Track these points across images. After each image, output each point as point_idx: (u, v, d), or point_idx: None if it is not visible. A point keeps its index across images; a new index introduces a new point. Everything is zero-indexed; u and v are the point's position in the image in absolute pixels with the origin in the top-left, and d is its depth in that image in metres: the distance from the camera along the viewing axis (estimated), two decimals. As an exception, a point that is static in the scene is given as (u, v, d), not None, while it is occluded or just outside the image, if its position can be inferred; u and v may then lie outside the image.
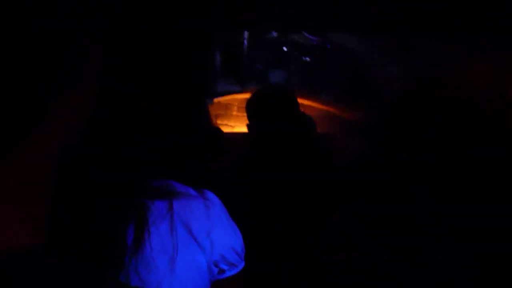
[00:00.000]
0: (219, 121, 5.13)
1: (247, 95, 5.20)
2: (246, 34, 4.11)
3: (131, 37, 0.62)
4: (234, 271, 0.80)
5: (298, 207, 1.53)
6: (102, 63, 0.50)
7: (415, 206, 1.09)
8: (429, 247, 1.05)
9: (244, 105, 5.56)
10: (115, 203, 0.61)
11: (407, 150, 1.10)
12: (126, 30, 0.60)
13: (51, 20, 0.42)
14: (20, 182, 0.46)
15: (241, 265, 0.82)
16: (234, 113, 5.24)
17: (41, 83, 0.43)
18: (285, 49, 4.32)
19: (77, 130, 0.51)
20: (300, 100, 5.24)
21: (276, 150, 1.73)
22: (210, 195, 0.80)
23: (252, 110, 1.81)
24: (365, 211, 1.16)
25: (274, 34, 4.31)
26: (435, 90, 0.94)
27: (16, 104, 0.41)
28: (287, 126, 1.70)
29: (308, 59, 4.34)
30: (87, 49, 0.46)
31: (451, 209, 1.05)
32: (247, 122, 1.88)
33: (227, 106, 5.21)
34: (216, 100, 4.91)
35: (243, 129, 5.49)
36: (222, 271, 0.78)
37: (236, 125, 5.21)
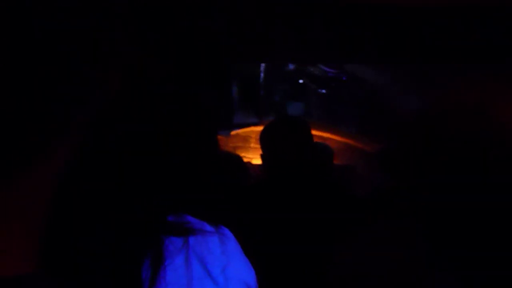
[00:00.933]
0: (237, 153, 5.15)
1: (265, 127, 5.17)
2: (263, 66, 4.16)
3: (145, 66, 0.63)
4: None
5: (308, 240, 1.50)
6: (108, 89, 0.50)
7: (420, 238, 1.07)
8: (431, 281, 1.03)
9: (262, 136, 5.53)
10: (130, 239, 0.60)
11: (417, 180, 1.08)
12: (136, 58, 0.60)
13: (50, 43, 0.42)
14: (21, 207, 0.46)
15: None
16: (252, 145, 5.26)
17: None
18: (301, 81, 4.35)
19: (79, 162, 0.51)
20: (319, 133, 5.27)
21: (288, 180, 1.72)
22: (225, 230, 0.79)
23: (265, 140, 1.81)
24: (372, 241, 1.14)
25: (291, 66, 4.35)
26: (447, 121, 0.93)
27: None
28: (300, 156, 1.69)
29: (324, 91, 4.36)
30: (92, 75, 0.46)
31: (456, 244, 1.03)
32: (261, 152, 1.88)
33: (245, 139, 5.24)
34: (234, 132, 4.94)
35: (260, 161, 5.46)
36: None
37: (254, 157, 5.22)
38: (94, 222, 0.56)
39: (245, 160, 4.83)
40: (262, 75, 4.20)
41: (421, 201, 1.07)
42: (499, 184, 0.94)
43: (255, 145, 5.18)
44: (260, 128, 5.68)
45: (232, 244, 0.76)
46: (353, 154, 5.35)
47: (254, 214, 1.60)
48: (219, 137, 4.22)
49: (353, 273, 1.13)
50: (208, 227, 0.74)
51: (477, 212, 0.97)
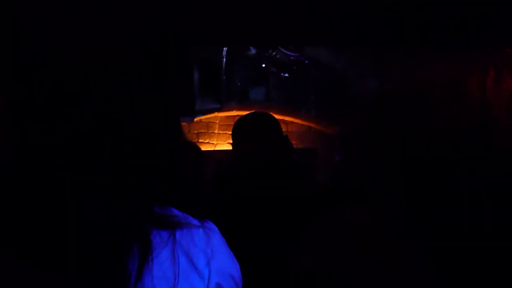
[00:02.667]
0: (201, 139, 5.12)
1: (227, 113, 5.25)
2: (224, 51, 4.13)
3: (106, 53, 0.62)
4: None
5: (279, 224, 1.52)
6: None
7: (387, 215, 1.09)
8: (398, 255, 1.06)
9: (225, 123, 5.60)
10: (117, 230, 0.60)
11: (380, 160, 1.10)
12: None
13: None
14: None
15: None
16: (216, 131, 5.24)
17: None
18: (263, 65, 4.34)
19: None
20: (281, 116, 5.36)
21: (258, 168, 1.76)
22: (210, 224, 0.81)
23: (238, 132, 1.87)
24: (338, 220, 1.16)
25: (253, 51, 4.34)
26: (403, 99, 0.95)
27: None
28: (270, 146, 1.76)
29: (286, 74, 4.38)
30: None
31: (423, 217, 1.06)
32: (231, 141, 1.93)
33: (208, 125, 5.21)
34: (197, 119, 4.91)
35: (225, 146, 5.53)
36: None
37: (218, 143, 5.21)
38: (80, 212, 0.57)
39: (210, 146, 4.81)
40: (223, 60, 4.16)
41: (383, 183, 1.10)
42: (464, 159, 0.97)
43: (219, 131, 5.17)
44: (223, 114, 5.67)
45: (217, 238, 0.78)
46: (314, 137, 5.43)
47: (224, 201, 1.64)
48: (182, 123, 4.18)
49: (319, 263, 1.14)
50: (194, 221, 0.75)
51: (443, 188, 1.00)
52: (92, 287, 0.54)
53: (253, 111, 2.12)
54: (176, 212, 0.73)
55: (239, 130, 1.88)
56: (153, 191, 0.70)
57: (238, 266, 0.82)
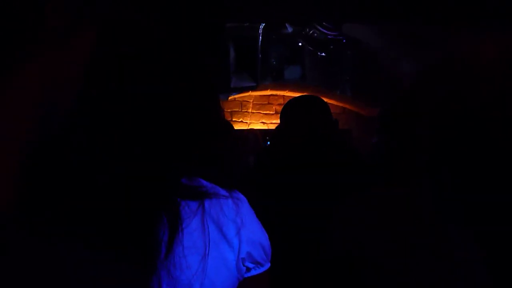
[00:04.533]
0: (234, 118, 5.13)
1: (262, 92, 5.23)
2: (260, 29, 4.08)
3: (135, 22, 0.61)
4: (259, 270, 0.79)
5: (319, 206, 1.53)
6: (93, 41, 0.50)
7: (424, 197, 1.06)
8: (437, 239, 1.02)
9: (259, 102, 5.57)
10: (146, 202, 0.61)
11: (418, 141, 1.08)
12: (127, 13, 0.59)
13: None
14: None
15: (267, 265, 0.82)
16: (250, 110, 5.23)
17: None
18: (300, 44, 4.27)
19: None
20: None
21: (305, 145, 1.80)
22: (239, 194, 0.81)
23: (289, 112, 1.91)
24: (372, 201, 1.14)
25: (289, 29, 4.27)
26: (445, 79, 0.91)
27: None
28: (318, 126, 1.79)
29: (323, 54, 4.29)
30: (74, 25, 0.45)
31: (461, 199, 1.03)
32: (279, 122, 1.98)
33: (242, 104, 5.20)
34: (231, 97, 4.91)
35: (258, 126, 5.51)
36: (248, 270, 0.78)
37: (251, 122, 5.21)
38: (111, 184, 0.57)
39: (243, 125, 4.81)
40: (260, 38, 4.12)
41: (426, 161, 1.07)
42: (499, 138, 0.94)
43: (253, 110, 5.16)
44: (257, 93, 5.65)
45: (246, 207, 0.78)
46: (349, 118, 5.35)
47: (266, 180, 1.68)
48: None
49: (346, 231, 1.12)
50: (222, 191, 0.75)
51: (483, 163, 0.98)
52: (124, 259, 0.55)
53: (299, 94, 2.13)
54: (204, 183, 0.73)
55: (290, 109, 1.93)
56: (184, 163, 0.70)
57: (267, 236, 0.83)
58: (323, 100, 1.96)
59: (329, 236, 1.27)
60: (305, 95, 1.97)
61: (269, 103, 5.25)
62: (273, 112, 5.17)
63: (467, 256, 0.98)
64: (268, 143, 4.13)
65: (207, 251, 0.68)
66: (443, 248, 0.99)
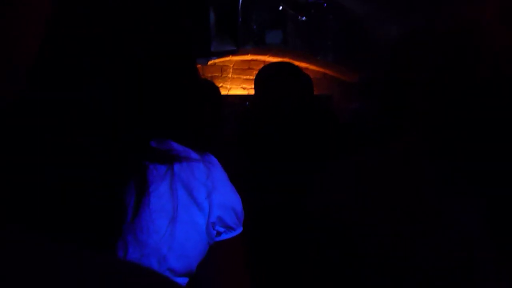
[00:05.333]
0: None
1: (242, 57, 5.16)
2: (241, -8, 3.99)
3: None
4: (231, 235, 0.79)
5: (298, 167, 1.55)
6: None
7: (416, 157, 1.06)
8: (433, 200, 1.01)
9: (239, 67, 5.50)
10: (113, 163, 0.59)
11: (408, 101, 1.07)
12: None
13: None
14: None
15: (239, 229, 0.81)
16: (230, 75, 5.18)
17: None
18: (280, 8, 4.20)
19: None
20: (296, 62, 5.22)
21: (280, 112, 1.80)
22: (211, 157, 0.79)
23: (262, 82, 1.91)
24: (361, 163, 1.12)
25: (270, -8, 4.18)
26: (432, 38, 0.90)
27: None
28: (299, 105, 1.79)
29: (304, 18, 4.24)
30: None
31: (457, 160, 1.03)
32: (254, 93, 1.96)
33: (222, 68, 5.15)
34: (211, 62, 4.84)
35: (239, 91, 5.47)
36: (219, 234, 0.77)
37: (231, 87, 5.17)
38: (74, 145, 0.55)
39: (223, 90, 4.77)
40: (240, 1, 4.03)
41: (401, 128, 1.07)
42: (487, 106, 0.95)
43: (233, 75, 5.12)
44: (238, 58, 5.57)
45: (218, 171, 0.77)
46: (329, 84, 5.35)
47: (246, 137, 1.70)
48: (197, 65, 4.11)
49: (331, 206, 1.11)
50: (194, 154, 0.74)
51: (466, 134, 0.98)
52: (89, 225, 0.54)
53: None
54: (175, 146, 0.72)
55: (261, 79, 1.93)
56: (153, 126, 0.68)
57: (240, 200, 0.82)
58: (295, 66, 1.96)
59: (315, 194, 1.25)
60: (275, 62, 1.96)
61: (249, 68, 5.20)
62: (254, 77, 5.13)
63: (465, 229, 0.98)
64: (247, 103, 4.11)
65: (175, 214, 0.67)
66: (436, 218, 0.99)
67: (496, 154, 0.96)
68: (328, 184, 1.11)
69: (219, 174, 0.78)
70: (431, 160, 1.00)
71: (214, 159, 0.78)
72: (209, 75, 5.08)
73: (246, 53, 4.94)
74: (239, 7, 4.08)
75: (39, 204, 0.50)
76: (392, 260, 0.95)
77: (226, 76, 5.15)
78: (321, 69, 5.34)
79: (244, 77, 5.18)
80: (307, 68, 5.14)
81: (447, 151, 0.98)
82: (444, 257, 0.92)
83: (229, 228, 0.78)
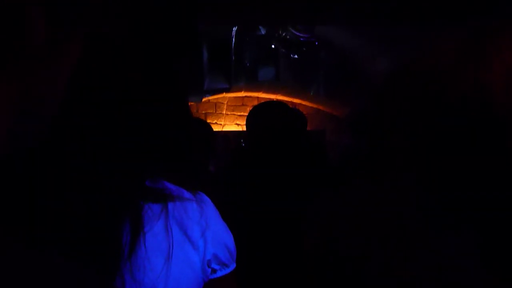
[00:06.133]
0: (208, 120, 5.12)
1: (236, 94, 5.23)
2: (233, 31, 4.08)
3: (112, 31, 0.61)
4: (225, 272, 0.80)
5: (290, 203, 1.55)
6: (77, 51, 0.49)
7: (402, 191, 1.07)
8: (424, 230, 1.02)
9: (233, 103, 5.57)
10: (109, 202, 0.59)
11: (392, 138, 1.09)
12: (105, 22, 0.58)
13: None
14: None
15: (233, 266, 0.82)
16: (224, 111, 5.23)
17: None
18: (273, 46, 4.30)
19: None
20: (290, 98, 5.31)
21: (272, 146, 1.83)
22: (203, 196, 0.81)
23: (253, 121, 1.95)
24: (347, 196, 1.12)
25: (263, 31, 4.28)
26: (414, 77, 0.92)
27: None
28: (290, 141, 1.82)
29: (296, 56, 4.33)
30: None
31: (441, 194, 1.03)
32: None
33: (216, 105, 5.20)
34: (205, 99, 4.89)
35: (232, 127, 5.50)
36: (214, 271, 0.78)
37: (225, 123, 5.20)
38: (72, 185, 0.56)
39: (217, 126, 4.81)
40: (233, 40, 4.12)
41: (398, 161, 1.08)
42: (476, 136, 0.96)
43: (227, 111, 5.16)
44: (231, 95, 5.65)
45: (211, 209, 0.78)
46: (322, 119, 5.40)
47: (238, 175, 1.71)
48: (191, 103, 4.15)
49: (327, 235, 1.11)
50: (187, 194, 0.75)
51: (462, 161, 0.99)
52: (85, 263, 0.54)
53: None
54: (168, 185, 0.73)
55: (252, 118, 1.97)
56: (148, 166, 0.69)
57: (231, 237, 0.83)
58: (285, 105, 2.00)
59: (308, 230, 1.25)
60: (266, 101, 2.01)
61: (243, 105, 5.26)
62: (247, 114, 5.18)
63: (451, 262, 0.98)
64: (243, 144, 4.13)
65: (171, 252, 0.68)
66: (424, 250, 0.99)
67: (486, 185, 0.97)
68: (321, 218, 1.11)
69: (212, 213, 0.79)
70: (422, 190, 1.01)
71: (206, 198, 0.80)
72: (203, 112, 5.13)
73: (240, 90, 5.00)
74: (232, 45, 4.17)
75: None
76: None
77: (220, 113, 5.20)
78: (314, 105, 5.40)
79: (238, 113, 5.23)
80: (300, 104, 5.20)
81: (437, 183, 0.99)
82: (435, 284, 0.92)
83: (224, 265, 0.79)
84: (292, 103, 5.12)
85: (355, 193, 1.06)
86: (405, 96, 1.05)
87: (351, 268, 1.00)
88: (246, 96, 5.24)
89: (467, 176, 0.94)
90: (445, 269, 0.94)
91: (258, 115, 1.92)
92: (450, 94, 0.97)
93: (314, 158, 1.83)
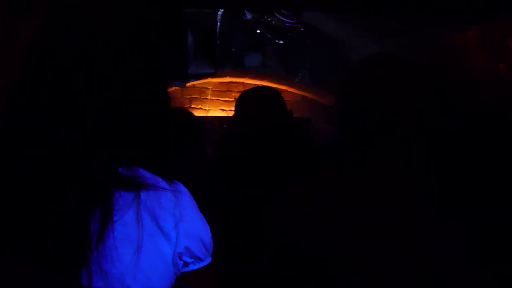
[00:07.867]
0: (193, 105, 5.06)
1: (221, 79, 5.19)
2: (219, 16, 4.02)
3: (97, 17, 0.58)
4: (198, 265, 0.77)
5: (274, 190, 1.54)
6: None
7: (381, 188, 1.05)
8: (413, 220, 1.01)
9: (218, 89, 5.54)
10: (79, 191, 0.57)
11: (371, 127, 1.07)
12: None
13: None
14: None
15: (208, 260, 0.79)
16: (209, 97, 5.18)
17: None
18: (258, 31, 4.24)
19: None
20: (276, 85, 5.29)
21: (260, 136, 1.82)
22: (179, 185, 0.78)
23: (242, 104, 1.94)
24: (316, 186, 1.10)
25: (248, 16, 4.22)
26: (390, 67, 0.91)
27: None
28: (277, 126, 1.82)
29: (281, 41, 4.29)
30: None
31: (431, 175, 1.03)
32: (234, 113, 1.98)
33: (201, 90, 5.14)
34: (190, 84, 4.83)
35: (217, 112, 5.48)
36: (186, 264, 0.75)
37: (210, 109, 5.16)
38: (41, 172, 0.54)
39: (202, 111, 4.76)
40: (218, 24, 4.06)
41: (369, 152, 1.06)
42: (464, 128, 0.95)
43: (212, 97, 5.11)
44: (216, 80, 5.60)
45: (187, 200, 0.75)
46: (309, 107, 5.39)
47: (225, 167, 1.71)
48: (175, 88, 4.12)
49: (296, 217, 1.08)
50: (162, 182, 0.72)
51: (458, 159, 0.98)
52: (53, 251, 0.53)
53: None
54: (143, 173, 0.71)
55: (242, 101, 1.96)
56: (123, 152, 0.67)
57: (208, 230, 0.81)
58: (276, 91, 2.00)
59: (280, 219, 1.22)
60: (257, 86, 2.00)
61: (228, 90, 5.21)
62: (233, 99, 5.14)
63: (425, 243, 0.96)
64: (227, 131, 4.11)
65: (140, 244, 0.65)
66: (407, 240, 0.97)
67: (478, 179, 0.96)
68: (298, 206, 1.08)
69: (188, 203, 0.77)
70: (412, 182, 0.99)
71: (183, 188, 0.77)
72: (188, 97, 5.07)
73: (225, 75, 4.95)
74: (217, 29, 4.11)
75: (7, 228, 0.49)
76: (369, 278, 0.94)
77: (205, 98, 5.15)
78: (300, 92, 5.38)
79: (223, 99, 5.18)
80: (286, 91, 5.17)
81: (428, 176, 0.98)
82: (420, 277, 0.91)
83: (197, 258, 0.76)
84: (277, 89, 5.09)
85: (325, 184, 1.04)
86: (380, 84, 1.02)
87: (317, 258, 0.98)
88: (231, 82, 5.19)
89: (461, 174, 0.93)
90: (430, 263, 0.93)
91: (252, 101, 1.91)
92: (454, 87, 0.96)
93: (301, 146, 1.83)
